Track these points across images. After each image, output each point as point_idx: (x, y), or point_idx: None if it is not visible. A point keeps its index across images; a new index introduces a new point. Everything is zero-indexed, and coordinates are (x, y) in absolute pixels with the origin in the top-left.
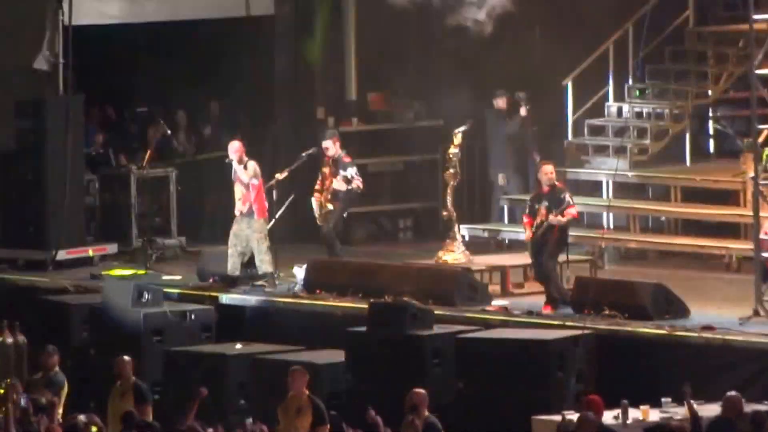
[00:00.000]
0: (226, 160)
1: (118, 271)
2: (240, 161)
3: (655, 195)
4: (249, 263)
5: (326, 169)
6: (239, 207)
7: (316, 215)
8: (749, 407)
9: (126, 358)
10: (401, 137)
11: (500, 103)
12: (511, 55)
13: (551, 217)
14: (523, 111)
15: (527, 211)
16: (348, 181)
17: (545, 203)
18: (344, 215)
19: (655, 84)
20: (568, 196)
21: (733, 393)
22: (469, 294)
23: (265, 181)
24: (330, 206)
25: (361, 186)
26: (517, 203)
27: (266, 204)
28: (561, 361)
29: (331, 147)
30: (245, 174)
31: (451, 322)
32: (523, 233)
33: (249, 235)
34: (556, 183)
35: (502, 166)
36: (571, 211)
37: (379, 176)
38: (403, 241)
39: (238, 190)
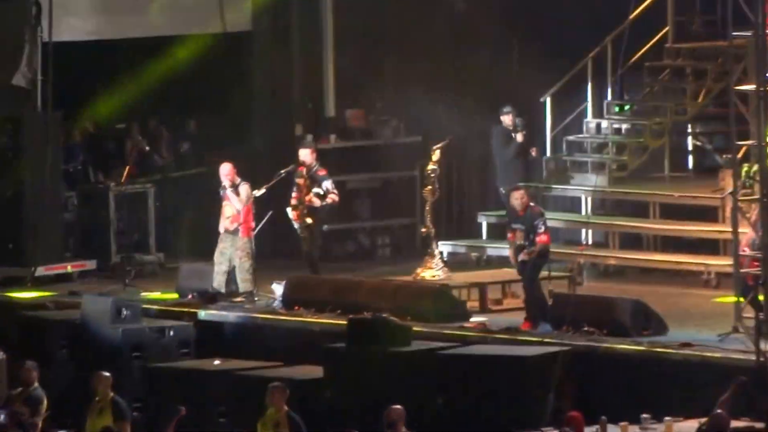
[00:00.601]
0: (220, 189)
1: None
2: (232, 183)
3: (633, 211)
4: (229, 280)
5: (301, 181)
6: (226, 225)
7: (296, 227)
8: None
9: (104, 374)
10: (379, 154)
11: (506, 119)
12: (489, 72)
13: (521, 256)
14: (519, 137)
15: (508, 226)
16: (321, 197)
17: (521, 226)
18: (323, 230)
19: (633, 100)
20: (541, 224)
21: (719, 411)
22: (447, 311)
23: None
24: (309, 220)
25: (336, 199)
26: (497, 219)
27: (253, 224)
28: (539, 378)
29: (308, 157)
30: (238, 200)
31: (430, 338)
32: (506, 249)
33: (232, 252)
34: (531, 205)
35: (506, 182)
36: (541, 239)
37: (358, 193)
38: (382, 258)
39: (229, 210)
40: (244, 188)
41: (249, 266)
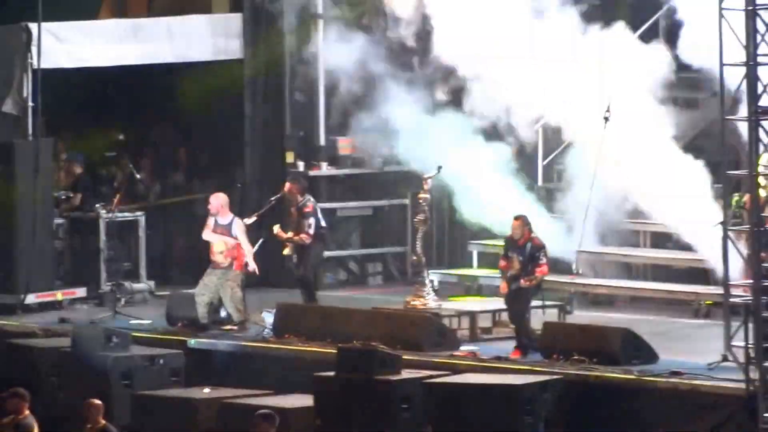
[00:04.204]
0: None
1: None
2: (224, 214)
3: (624, 240)
4: (217, 309)
5: (293, 210)
6: (219, 260)
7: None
8: None
9: (96, 401)
10: (370, 182)
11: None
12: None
13: (522, 282)
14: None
15: (503, 254)
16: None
17: (519, 257)
18: (320, 258)
19: None
20: (542, 255)
21: None
22: (437, 339)
23: None
24: (286, 250)
25: (305, 240)
26: (488, 248)
27: (244, 258)
28: (529, 407)
29: (289, 191)
30: (241, 233)
31: (420, 367)
32: (495, 278)
33: (220, 284)
34: (534, 239)
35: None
36: (542, 269)
37: (348, 221)
38: (372, 286)
39: (219, 245)
40: (239, 223)
41: (241, 296)
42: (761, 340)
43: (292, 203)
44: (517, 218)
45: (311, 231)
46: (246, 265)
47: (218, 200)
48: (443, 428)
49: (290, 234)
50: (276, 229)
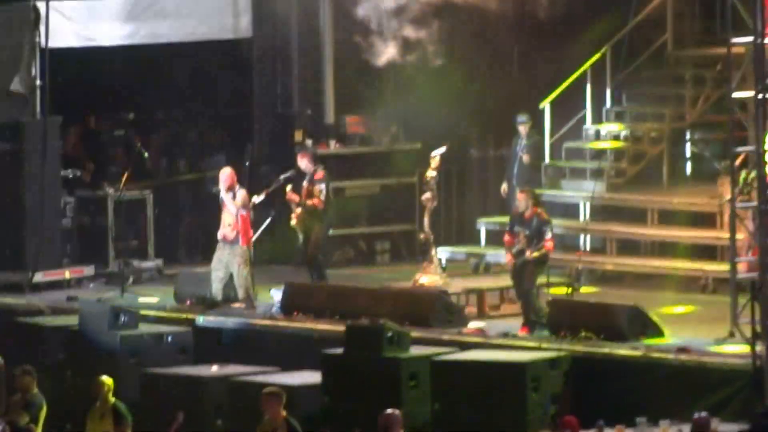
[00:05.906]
0: (213, 189)
1: None
2: (229, 189)
3: (631, 217)
4: (228, 286)
5: (305, 184)
6: (226, 232)
7: (299, 234)
8: (724, 428)
9: (105, 379)
10: (378, 160)
11: (521, 129)
12: (489, 78)
13: (528, 254)
14: (525, 158)
15: (508, 229)
16: (318, 198)
17: (526, 231)
18: (327, 233)
19: (632, 107)
20: (548, 230)
21: (702, 414)
22: (445, 316)
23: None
24: (294, 222)
25: (316, 204)
26: (496, 225)
27: (251, 232)
28: (537, 383)
29: (302, 164)
30: (233, 204)
31: (428, 344)
32: (502, 255)
33: (230, 260)
34: (540, 213)
35: (520, 183)
36: (548, 245)
37: (357, 199)
38: (380, 264)
39: (228, 217)
40: (241, 194)
41: (246, 273)
42: None
43: (305, 176)
44: (523, 191)
45: (322, 197)
46: (251, 238)
47: (222, 175)
48: (450, 405)
49: (303, 208)
50: (289, 191)
